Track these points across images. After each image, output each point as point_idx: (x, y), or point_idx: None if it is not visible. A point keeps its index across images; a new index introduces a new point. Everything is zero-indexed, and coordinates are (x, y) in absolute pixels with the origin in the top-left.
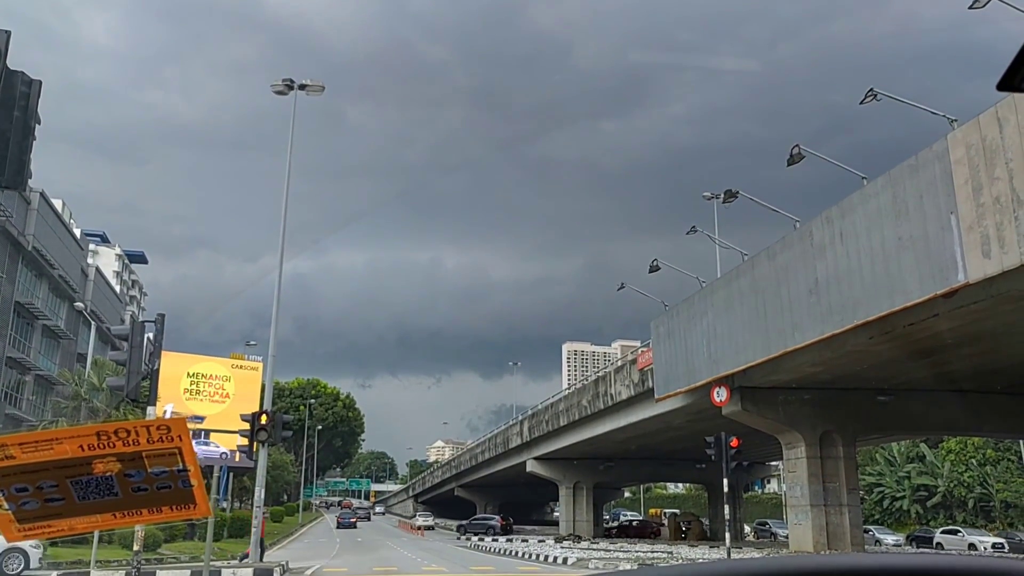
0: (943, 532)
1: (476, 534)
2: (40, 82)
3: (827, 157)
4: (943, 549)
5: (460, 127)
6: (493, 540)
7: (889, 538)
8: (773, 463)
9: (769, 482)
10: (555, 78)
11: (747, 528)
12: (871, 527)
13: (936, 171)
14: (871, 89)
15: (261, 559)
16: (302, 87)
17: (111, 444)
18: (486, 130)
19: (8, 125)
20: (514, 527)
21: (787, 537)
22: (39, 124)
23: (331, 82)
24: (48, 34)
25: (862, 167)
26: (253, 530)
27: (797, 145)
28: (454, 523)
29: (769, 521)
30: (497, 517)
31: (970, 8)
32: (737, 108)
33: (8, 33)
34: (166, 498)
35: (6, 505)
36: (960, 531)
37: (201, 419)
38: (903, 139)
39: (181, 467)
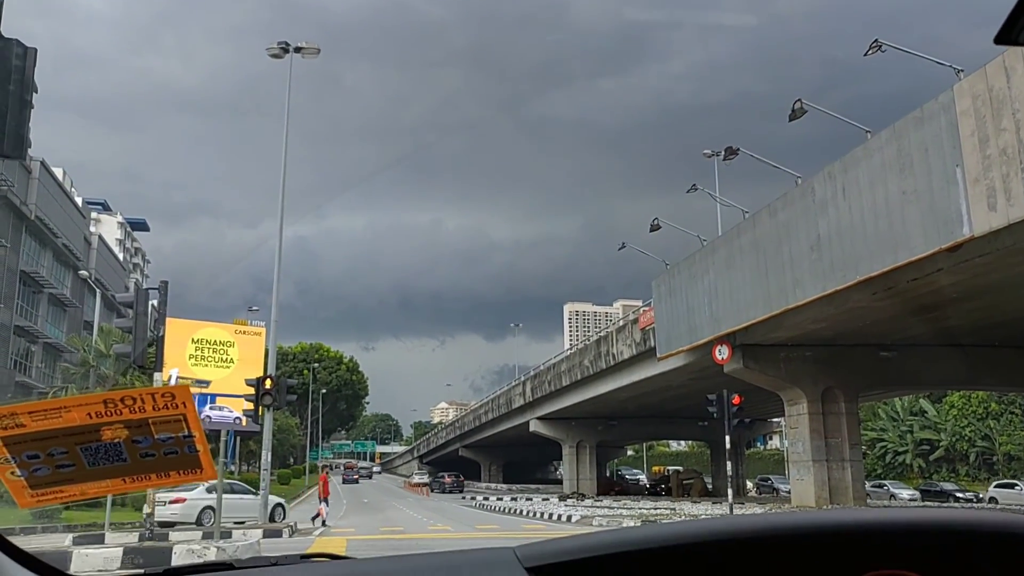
0: (997, 486)
1: (436, 490)
2: (35, 50)
3: (829, 111)
4: (997, 504)
5: (458, 88)
6: (498, 500)
7: (904, 492)
8: (775, 420)
9: (771, 438)
10: (552, 37)
11: (749, 484)
12: (885, 482)
13: (942, 123)
14: (875, 40)
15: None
16: (297, 50)
17: (118, 411)
18: (484, 91)
19: (4, 95)
20: (498, 485)
21: (789, 493)
22: (36, 93)
23: (328, 45)
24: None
25: (866, 121)
26: (261, 492)
27: (799, 100)
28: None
29: (771, 477)
30: (447, 475)
31: None
32: (737, 64)
33: (0, 1)
34: (173, 463)
35: (19, 472)
36: (1017, 484)
37: (207, 383)
38: (908, 91)
39: (187, 433)
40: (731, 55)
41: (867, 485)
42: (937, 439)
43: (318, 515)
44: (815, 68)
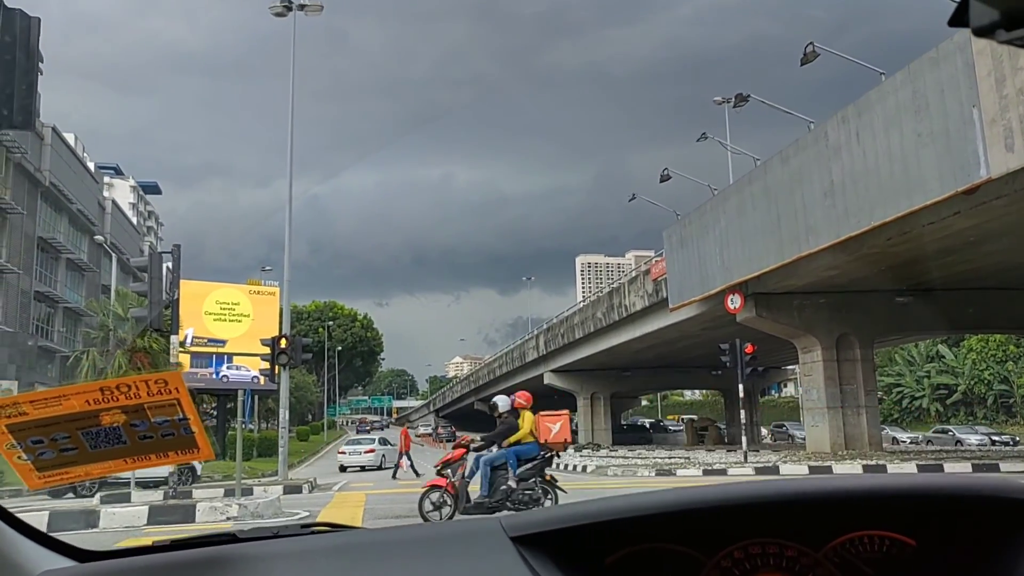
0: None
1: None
2: (39, 19)
3: (843, 54)
4: None
5: (465, 40)
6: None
7: (903, 435)
8: (789, 367)
9: (786, 386)
10: None
11: (764, 431)
12: (884, 426)
13: (958, 63)
14: None
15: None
16: (301, 7)
17: (115, 398)
18: (491, 42)
19: (11, 67)
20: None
21: (804, 439)
22: (42, 62)
23: (333, 1)
24: None
25: (880, 62)
26: (280, 449)
27: (811, 43)
28: (473, 434)
29: (786, 423)
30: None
31: None
32: (747, 6)
33: None
34: (171, 444)
35: (25, 456)
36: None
37: (223, 343)
38: (923, 31)
39: (181, 416)
40: None
41: (931, 431)
42: (955, 383)
43: (399, 468)
44: (829, 8)
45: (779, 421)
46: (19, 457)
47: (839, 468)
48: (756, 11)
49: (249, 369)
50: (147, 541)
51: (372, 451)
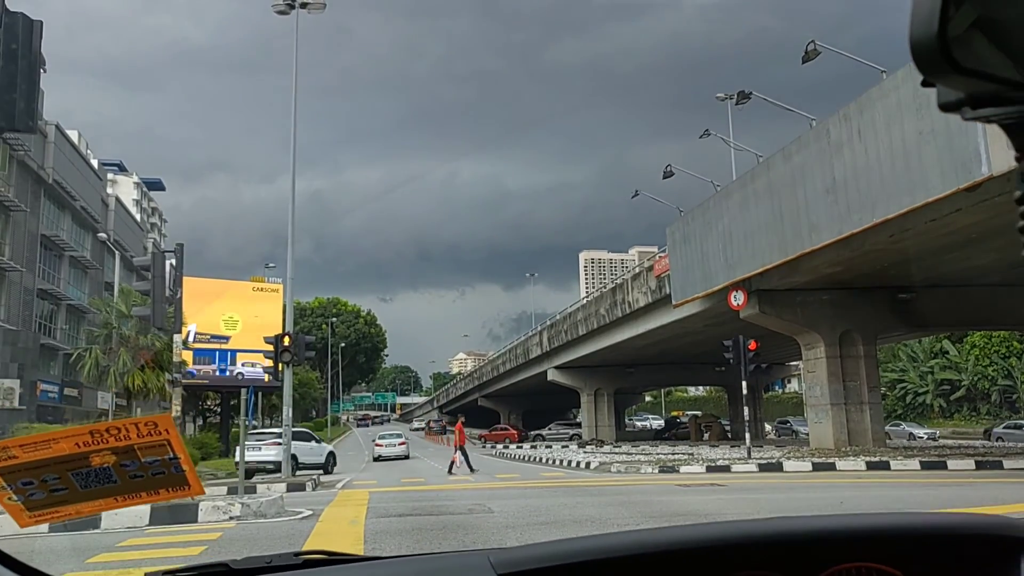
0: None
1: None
2: (41, 22)
3: (844, 51)
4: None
5: (469, 36)
6: (518, 448)
7: (920, 431)
8: (793, 363)
9: (790, 382)
10: None
11: (768, 427)
12: (900, 422)
13: None
14: None
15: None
16: (303, 5)
17: (104, 440)
18: (495, 39)
19: (13, 70)
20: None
21: (808, 435)
22: (44, 64)
23: None
24: None
25: (883, 57)
26: (284, 448)
27: (812, 41)
28: (475, 431)
29: (790, 419)
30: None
31: None
32: (750, 2)
33: None
34: (161, 482)
35: (15, 497)
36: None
37: (226, 339)
38: None
39: (172, 455)
40: None
41: (886, 426)
42: (958, 379)
43: (453, 463)
44: (831, 4)
45: (783, 417)
46: (9, 498)
47: (842, 464)
48: (759, 7)
49: (258, 365)
50: (148, 540)
51: (404, 443)
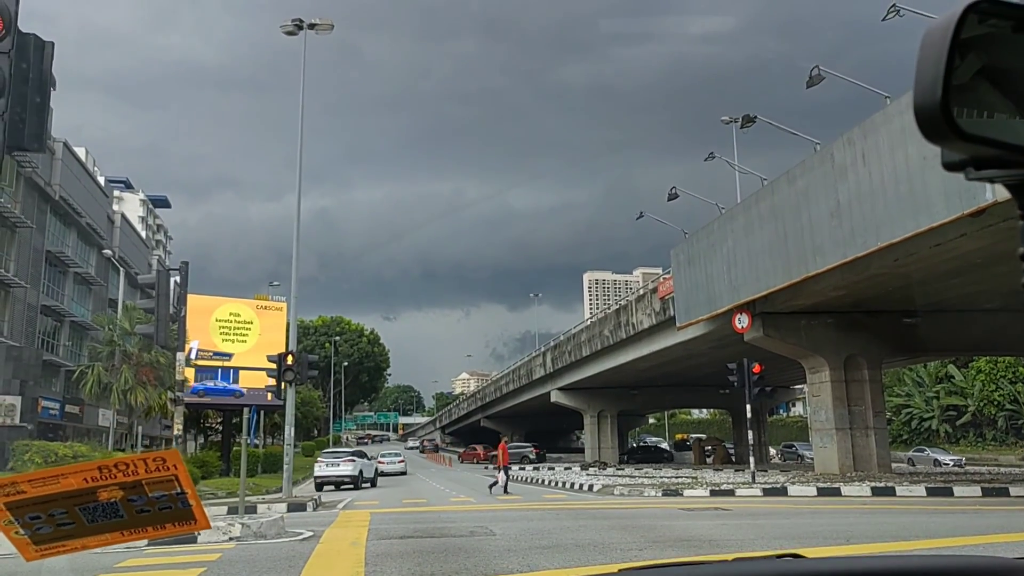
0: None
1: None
2: (52, 43)
3: (848, 76)
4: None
5: (476, 57)
6: (520, 469)
7: (946, 458)
8: (798, 387)
9: (794, 405)
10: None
11: (773, 451)
12: (925, 447)
13: None
14: (893, 4)
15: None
16: (311, 26)
17: (112, 476)
18: (501, 59)
19: (24, 89)
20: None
21: (813, 459)
22: (54, 85)
23: (346, 18)
24: None
25: (886, 81)
26: (285, 467)
27: (817, 66)
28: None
29: (796, 444)
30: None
31: None
32: (754, 27)
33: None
34: (168, 516)
35: (22, 531)
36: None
37: (228, 356)
38: None
39: (179, 490)
40: (749, 17)
41: (910, 451)
42: (964, 404)
43: (496, 483)
44: (834, 28)
45: (788, 441)
46: (16, 532)
47: (847, 490)
48: (763, 32)
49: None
50: (146, 561)
51: (403, 462)
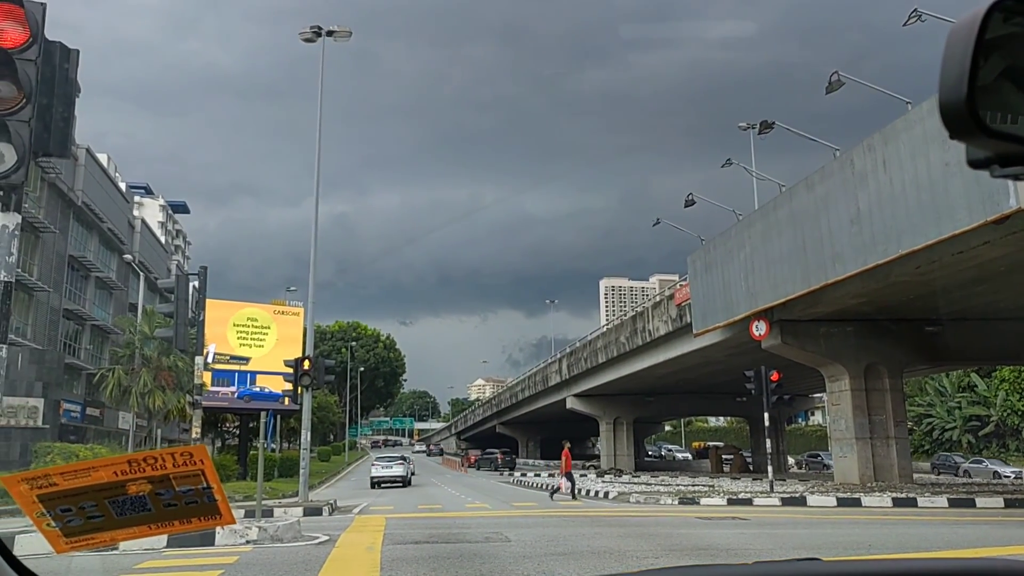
0: None
1: (486, 467)
2: (78, 51)
3: (868, 82)
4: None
5: (493, 64)
6: (536, 475)
7: (1007, 470)
8: (817, 395)
9: (813, 414)
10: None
11: (792, 460)
12: (983, 459)
13: None
14: (915, 9)
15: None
16: (329, 34)
17: (141, 469)
18: (518, 66)
19: (50, 97)
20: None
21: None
22: (79, 92)
23: (364, 25)
24: None
25: (907, 87)
26: (301, 471)
27: (836, 72)
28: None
29: (821, 453)
30: (498, 451)
31: None
32: (774, 31)
33: (44, 5)
34: (194, 511)
35: (53, 523)
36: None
37: (245, 360)
38: None
39: (205, 485)
40: (769, 22)
41: (967, 462)
42: (987, 414)
43: (558, 489)
44: (854, 33)
45: (813, 451)
46: (48, 524)
47: (868, 500)
48: (781, 38)
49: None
50: (165, 563)
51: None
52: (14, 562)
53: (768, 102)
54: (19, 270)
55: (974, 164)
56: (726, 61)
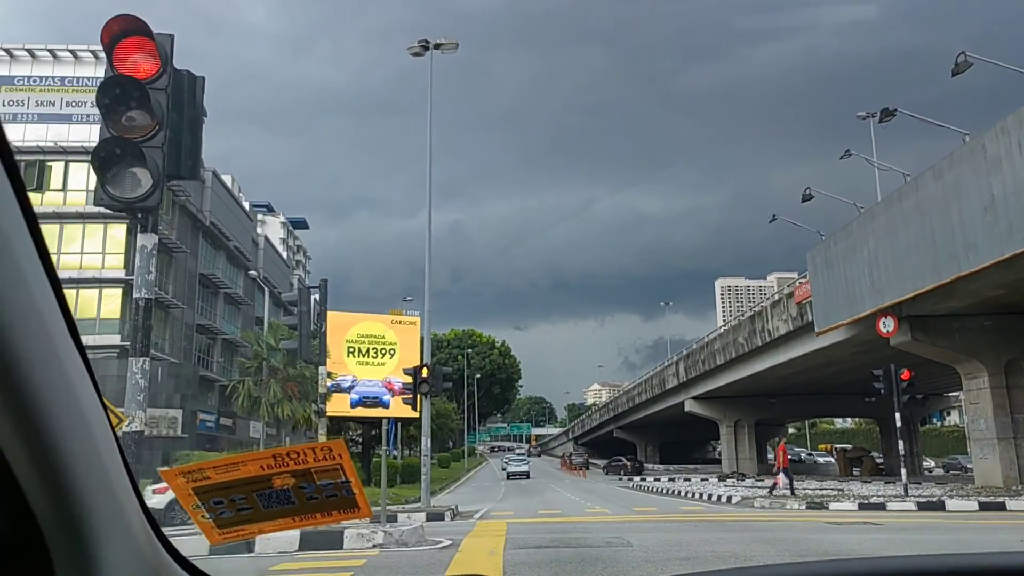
0: None
1: (612, 473)
2: (204, 78)
3: (998, 62)
4: None
5: (601, 67)
6: (655, 480)
7: None
8: (952, 394)
9: (949, 413)
10: (694, 6)
11: (929, 463)
12: None
13: None
14: None
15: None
16: (437, 47)
17: (285, 464)
18: (627, 68)
19: (180, 122)
20: (649, 467)
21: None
22: (206, 116)
23: (472, 36)
24: (215, 21)
25: None
26: (423, 477)
27: (963, 52)
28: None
29: (959, 457)
30: (624, 458)
31: None
32: (888, 16)
33: (172, 36)
34: (334, 504)
35: (207, 515)
36: None
37: (354, 380)
38: None
39: (344, 479)
40: (886, 4)
41: None
42: None
43: (775, 485)
44: (979, 11)
45: (953, 454)
46: (203, 516)
47: (1013, 504)
48: (897, 22)
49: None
50: (299, 565)
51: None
52: (185, 563)
53: (887, 89)
54: (156, 288)
55: None
56: (841, 49)
